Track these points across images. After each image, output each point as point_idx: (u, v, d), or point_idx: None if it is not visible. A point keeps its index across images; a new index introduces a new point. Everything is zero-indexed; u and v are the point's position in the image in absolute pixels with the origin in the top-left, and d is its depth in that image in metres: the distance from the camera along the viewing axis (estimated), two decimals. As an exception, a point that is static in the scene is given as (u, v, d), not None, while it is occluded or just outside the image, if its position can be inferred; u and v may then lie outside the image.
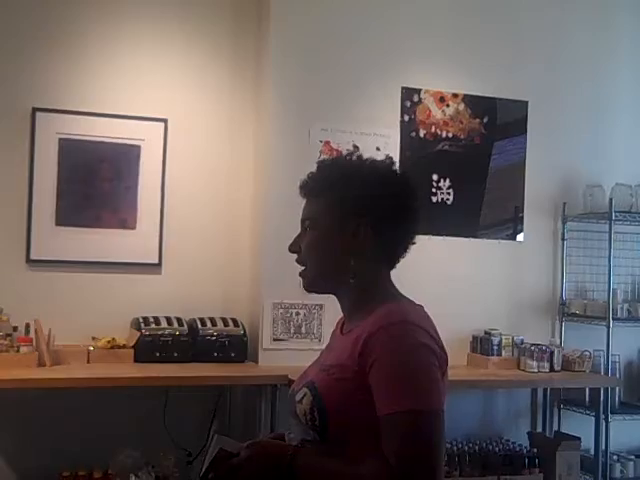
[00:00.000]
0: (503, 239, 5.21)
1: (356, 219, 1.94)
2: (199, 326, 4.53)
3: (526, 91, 5.25)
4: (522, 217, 5.25)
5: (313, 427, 1.86)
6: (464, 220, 5.09)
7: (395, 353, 1.79)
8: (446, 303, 4.78)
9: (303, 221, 2.03)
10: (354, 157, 2.03)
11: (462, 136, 5.11)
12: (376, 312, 1.88)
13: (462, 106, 5.11)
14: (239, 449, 1.87)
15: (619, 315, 5.14)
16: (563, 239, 5.34)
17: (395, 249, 2.01)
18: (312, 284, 2.03)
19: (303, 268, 2.02)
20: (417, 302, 1.97)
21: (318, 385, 1.88)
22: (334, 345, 2.03)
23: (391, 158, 2.11)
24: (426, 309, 1.96)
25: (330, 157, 2.07)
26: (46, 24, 4.54)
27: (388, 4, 4.94)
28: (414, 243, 2.03)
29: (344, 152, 2.11)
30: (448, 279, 4.92)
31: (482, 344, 4.98)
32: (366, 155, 2.04)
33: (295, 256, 2.03)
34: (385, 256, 2.00)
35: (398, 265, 2.02)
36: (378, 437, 1.77)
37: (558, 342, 5.19)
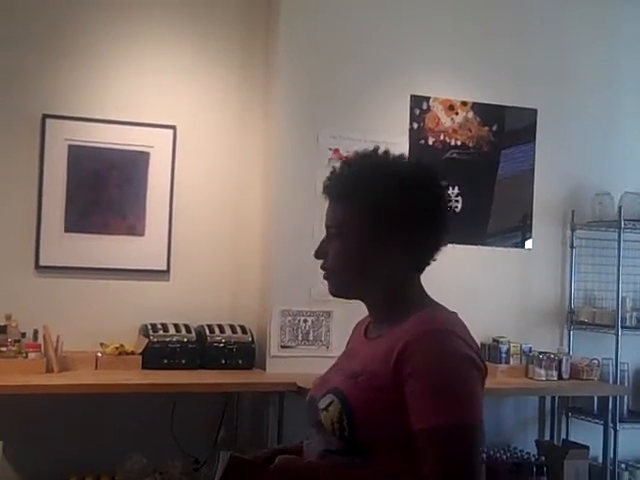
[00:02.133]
0: (512, 247, 5.21)
1: (390, 227, 1.85)
2: (207, 333, 4.53)
3: (535, 99, 5.25)
4: (531, 225, 5.25)
5: (341, 437, 1.77)
6: (473, 228, 5.08)
7: (436, 363, 1.72)
8: (454, 310, 4.75)
9: (329, 227, 1.92)
10: (380, 154, 1.92)
11: (471, 144, 5.11)
12: (412, 319, 1.80)
13: (471, 114, 5.11)
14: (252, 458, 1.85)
15: (628, 323, 5.13)
16: (572, 247, 5.33)
17: (426, 255, 1.92)
18: (341, 290, 1.93)
19: (327, 271, 1.92)
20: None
21: (346, 393, 1.79)
22: (359, 350, 1.94)
23: (419, 160, 2.00)
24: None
25: (354, 155, 1.94)
26: (56, 31, 4.56)
27: (398, 12, 4.94)
28: (444, 246, 1.93)
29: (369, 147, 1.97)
30: (456, 286, 4.88)
31: (490, 352, 4.96)
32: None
33: (311, 257, 1.95)
34: (416, 261, 1.91)
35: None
36: (407, 451, 1.71)
37: (566, 350, 5.18)
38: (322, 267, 1.93)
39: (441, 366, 1.72)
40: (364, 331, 1.99)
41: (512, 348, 4.96)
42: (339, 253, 1.89)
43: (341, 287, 1.93)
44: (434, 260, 1.93)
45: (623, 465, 5.18)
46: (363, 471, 1.75)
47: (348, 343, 2.08)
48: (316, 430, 1.86)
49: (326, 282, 1.93)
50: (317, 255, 1.93)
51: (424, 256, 1.92)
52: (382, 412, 1.75)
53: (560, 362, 4.94)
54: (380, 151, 1.92)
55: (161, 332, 4.45)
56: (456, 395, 1.70)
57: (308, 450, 1.90)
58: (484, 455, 4.76)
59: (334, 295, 1.94)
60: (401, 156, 1.95)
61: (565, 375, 4.95)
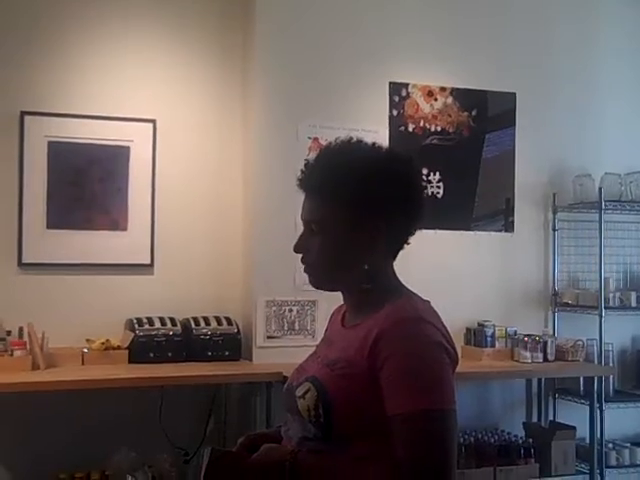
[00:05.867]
0: (495, 231, 5.22)
1: (372, 220, 1.85)
2: (193, 325, 4.54)
3: (513, 83, 5.26)
4: (513, 209, 5.26)
5: (317, 424, 1.80)
6: (455, 213, 5.09)
7: (409, 350, 1.74)
8: (439, 296, 4.67)
9: (308, 222, 1.91)
10: (352, 144, 1.92)
11: (451, 129, 5.12)
12: (386, 307, 1.83)
13: (450, 99, 5.12)
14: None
15: (611, 304, 5.16)
16: (554, 229, 5.36)
17: (403, 242, 1.94)
18: (322, 284, 1.94)
19: (308, 265, 1.93)
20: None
21: (323, 380, 1.82)
22: (335, 339, 1.97)
23: (391, 148, 1.99)
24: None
25: (327, 147, 1.94)
26: (33, 28, 4.53)
27: (375, 0, 4.96)
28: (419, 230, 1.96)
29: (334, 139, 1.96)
30: (440, 272, 4.92)
31: (476, 336, 5.00)
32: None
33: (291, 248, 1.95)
34: (393, 249, 1.94)
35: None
36: (383, 437, 1.73)
37: (551, 332, 5.21)
38: (303, 261, 1.94)
39: (413, 353, 1.74)
40: (341, 319, 2.01)
41: (497, 331, 4.98)
42: (322, 249, 1.89)
43: (324, 281, 1.94)
44: (408, 244, 1.95)
45: (610, 445, 5.22)
46: (341, 457, 1.78)
47: (326, 331, 2.10)
48: (293, 417, 1.88)
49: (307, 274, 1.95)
50: (296, 250, 1.93)
51: (401, 243, 1.94)
52: (358, 399, 1.77)
53: (545, 344, 4.97)
54: (353, 141, 1.92)
55: (147, 326, 4.45)
56: (427, 381, 1.73)
57: (286, 437, 1.92)
58: (472, 438, 4.80)
59: (317, 288, 1.95)
60: (374, 145, 1.94)
61: (551, 357, 4.98)
